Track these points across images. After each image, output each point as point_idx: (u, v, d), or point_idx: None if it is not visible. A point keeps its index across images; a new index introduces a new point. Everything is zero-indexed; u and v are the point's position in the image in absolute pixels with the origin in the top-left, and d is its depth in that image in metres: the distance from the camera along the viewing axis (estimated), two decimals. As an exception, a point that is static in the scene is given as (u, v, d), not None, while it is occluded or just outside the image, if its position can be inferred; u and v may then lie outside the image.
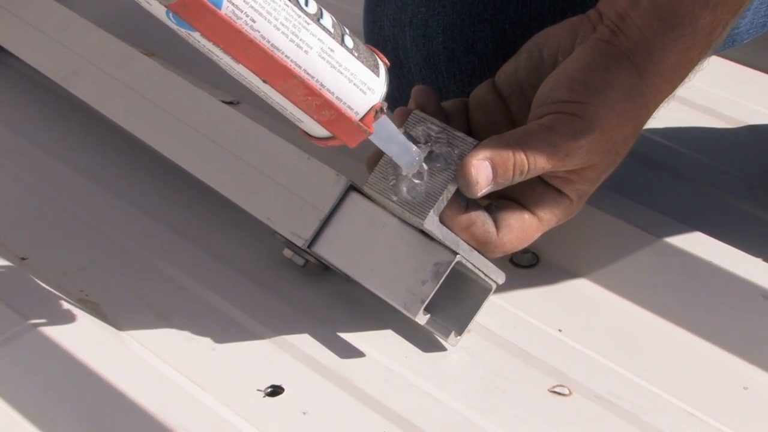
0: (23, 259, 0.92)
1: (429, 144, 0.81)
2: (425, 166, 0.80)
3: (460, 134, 0.81)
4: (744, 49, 1.08)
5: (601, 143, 0.80)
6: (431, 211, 0.79)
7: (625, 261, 0.91)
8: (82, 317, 0.85)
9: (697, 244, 0.91)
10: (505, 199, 0.82)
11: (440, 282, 0.80)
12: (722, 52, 1.15)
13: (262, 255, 0.92)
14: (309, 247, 0.86)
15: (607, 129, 0.80)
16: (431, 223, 0.80)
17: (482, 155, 0.79)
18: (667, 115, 0.99)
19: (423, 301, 0.80)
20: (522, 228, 0.82)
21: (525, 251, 0.91)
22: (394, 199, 0.81)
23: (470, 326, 0.83)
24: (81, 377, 0.79)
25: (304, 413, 0.79)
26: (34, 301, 0.86)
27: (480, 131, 0.84)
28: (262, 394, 0.80)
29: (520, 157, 0.79)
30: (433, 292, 0.80)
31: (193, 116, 0.98)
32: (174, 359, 0.82)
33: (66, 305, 0.86)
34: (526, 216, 0.82)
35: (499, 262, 0.83)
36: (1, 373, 0.81)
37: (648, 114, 0.83)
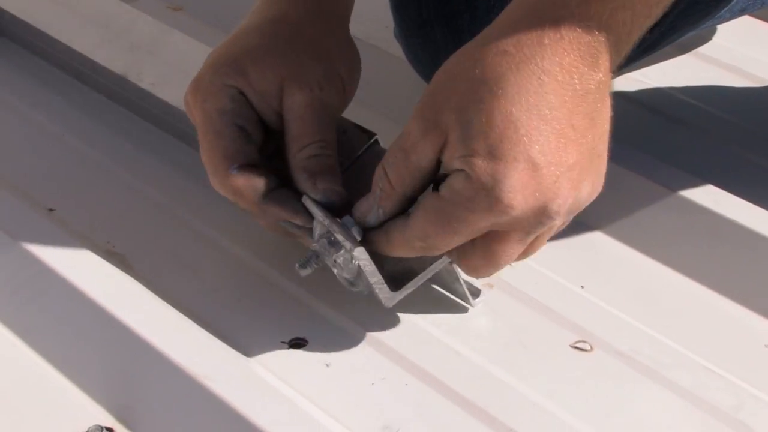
0: (51, 210, 0.93)
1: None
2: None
3: (341, 237, 0.76)
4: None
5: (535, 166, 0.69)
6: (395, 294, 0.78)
7: (647, 218, 0.91)
8: (109, 268, 0.85)
9: (721, 201, 0.91)
10: None
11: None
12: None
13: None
14: None
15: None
16: (395, 298, 0.78)
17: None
18: (692, 74, 0.99)
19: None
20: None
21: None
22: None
23: (493, 281, 0.84)
24: (107, 327, 0.80)
25: (327, 365, 0.79)
26: (61, 252, 0.87)
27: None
28: (286, 345, 0.81)
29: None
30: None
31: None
32: (199, 309, 0.83)
33: (93, 256, 0.86)
34: None
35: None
36: (29, 323, 0.82)
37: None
